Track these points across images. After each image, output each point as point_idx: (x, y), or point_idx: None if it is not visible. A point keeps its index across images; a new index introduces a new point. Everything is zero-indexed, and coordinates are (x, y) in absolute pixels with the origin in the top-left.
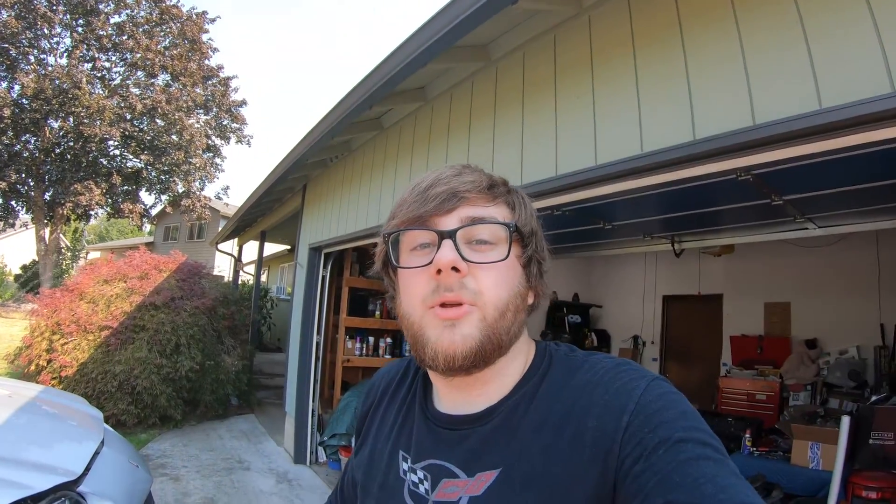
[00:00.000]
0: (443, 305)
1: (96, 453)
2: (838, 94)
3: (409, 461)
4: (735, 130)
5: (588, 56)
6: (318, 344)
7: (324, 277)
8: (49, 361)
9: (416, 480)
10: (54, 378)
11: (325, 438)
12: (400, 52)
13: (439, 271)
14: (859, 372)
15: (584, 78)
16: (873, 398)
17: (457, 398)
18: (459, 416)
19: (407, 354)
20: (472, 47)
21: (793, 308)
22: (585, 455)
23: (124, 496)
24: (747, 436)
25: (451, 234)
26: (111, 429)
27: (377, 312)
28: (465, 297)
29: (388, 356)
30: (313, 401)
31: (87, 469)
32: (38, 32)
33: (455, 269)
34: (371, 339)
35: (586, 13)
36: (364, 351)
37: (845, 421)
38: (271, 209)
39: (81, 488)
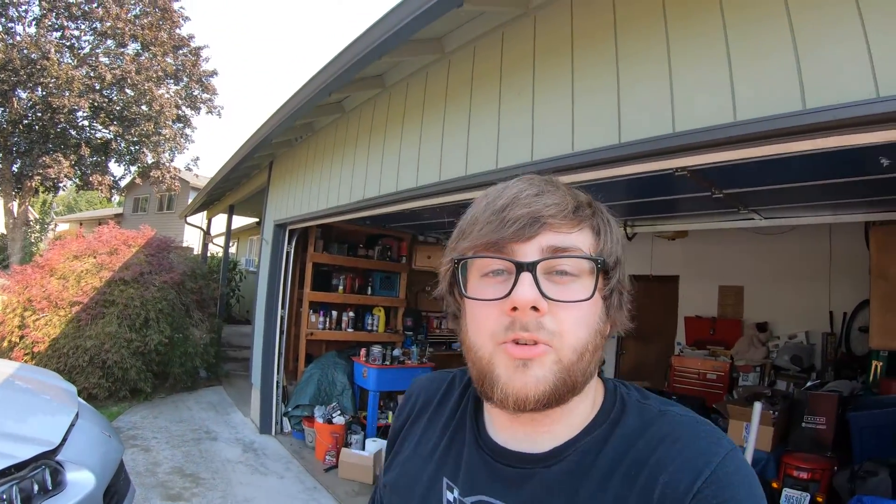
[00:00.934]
0: (515, 342)
1: (72, 425)
2: (754, 107)
3: (456, 492)
4: (656, 136)
5: (531, 54)
6: (282, 318)
7: (288, 253)
8: (21, 338)
9: None
10: (27, 354)
11: (290, 409)
12: (356, 45)
13: (515, 308)
14: (801, 357)
15: (526, 75)
16: (808, 383)
17: (518, 432)
18: (521, 452)
19: (370, 328)
20: (427, 41)
21: (746, 292)
22: None
23: (98, 464)
24: None
25: (532, 267)
26: (84, 402)
27: (340, 287)
28: (541, 337)
29: (350, 329)
30: (278, 373)
31: (64, 440)
32: (6, 0)
33: (534, 307)
34: (334, 312)
35: (532, 13)
36: (327, 324)
37: (757, 406)
38: (239, 184)
39: (59, 457)
